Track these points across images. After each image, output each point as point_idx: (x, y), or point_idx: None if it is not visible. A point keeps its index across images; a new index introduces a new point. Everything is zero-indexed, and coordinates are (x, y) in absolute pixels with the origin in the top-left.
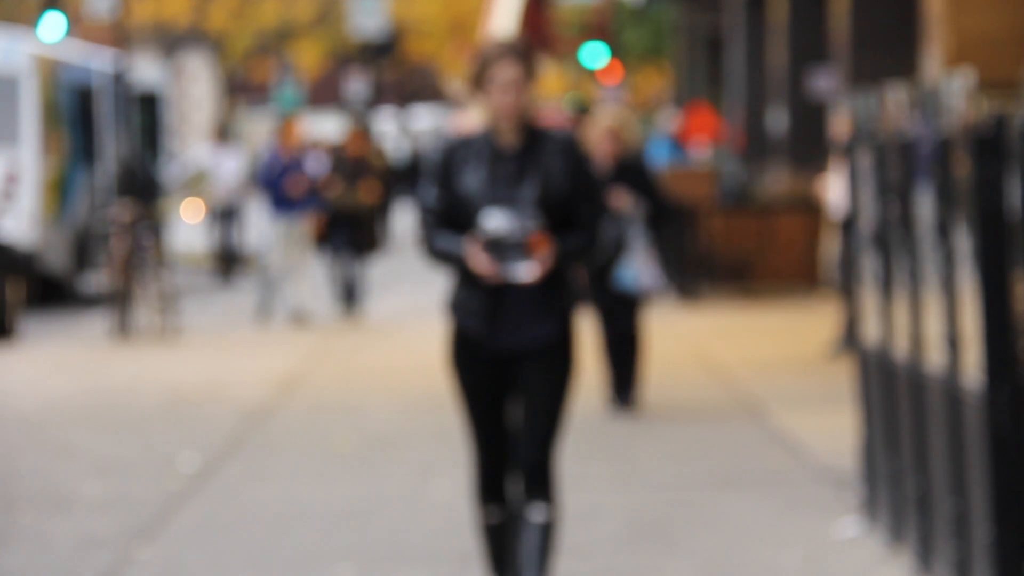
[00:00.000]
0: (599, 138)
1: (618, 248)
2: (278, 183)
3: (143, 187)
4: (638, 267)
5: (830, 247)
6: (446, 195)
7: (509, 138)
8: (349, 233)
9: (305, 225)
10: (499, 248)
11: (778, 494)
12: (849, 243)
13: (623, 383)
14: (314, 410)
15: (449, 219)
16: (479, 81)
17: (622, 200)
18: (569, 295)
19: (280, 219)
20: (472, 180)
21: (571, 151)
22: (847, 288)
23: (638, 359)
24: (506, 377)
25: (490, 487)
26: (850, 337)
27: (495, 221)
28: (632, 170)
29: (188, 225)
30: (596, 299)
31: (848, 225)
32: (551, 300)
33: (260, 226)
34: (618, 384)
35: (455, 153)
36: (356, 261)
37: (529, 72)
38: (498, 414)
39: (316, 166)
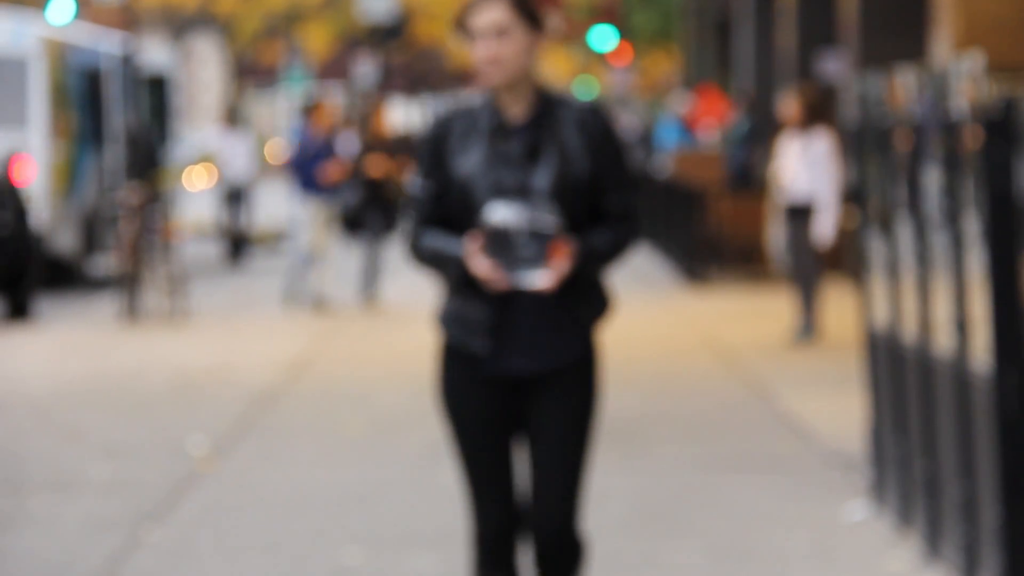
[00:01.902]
0: None
1: None
2: (309, 165)
3: (144, 155)
4: None
5: (776, 232)
6: (439, 181)
7: (514, 109)
8: (383, 215)
9: (334, 208)
10: (505, 248)
11: (786, 477)
12: (796, 227)
13: None
14: (323, 393)
15: (445, 211)
16: (464, 29)
17: None
18: (595, 305)
19: (310, 201)
20: (469, 162)
21: (594, 123)
22: (798, 274)
23: None
24: (513, 410)
25: (496, 559)
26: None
27: (500, 214)
28: None
29: (192, 194)
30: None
31: (796, 210)
32: (572, 312)
33: (291, 209)
34: None
35: (451, 127)
36: (380, 244)
37: (524, 19)
38: (505, 459)
39: (348, 148)
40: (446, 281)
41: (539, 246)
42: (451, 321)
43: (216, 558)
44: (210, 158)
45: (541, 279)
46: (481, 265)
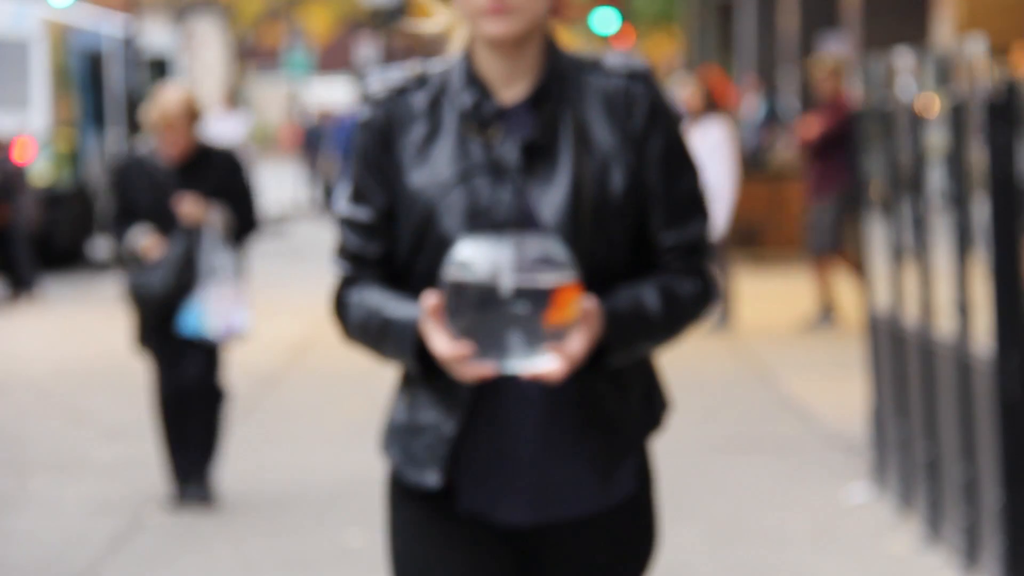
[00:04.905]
0: (165, 120)
1: (184, 275)
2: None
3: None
4: (211, 303)
5: None
6: (381, 205)
7: (509, 83)
8: None
9: None
10: (487, 313)
11: (787, 460)
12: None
13: (192, 465)
14: (325, 375)
15: (391, 253)
16: None
17: (192, 208)
18: (641, 406)
19: None
20: (431, 171)
21: (640, 102)
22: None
23: (214, 431)
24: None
25: None
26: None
27: (478, 257)
28: (211, 165)
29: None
30: (152, 344)
31: None
32: (602, 421)
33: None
34: (183, 467)
35: (401, 112)
36: None
37: None
38: None
39: None
40: (394, 368)
41: (540, 310)
42: (394, 437)
43: (218, 540)
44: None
45: (544, 362)
46: (443, 341)
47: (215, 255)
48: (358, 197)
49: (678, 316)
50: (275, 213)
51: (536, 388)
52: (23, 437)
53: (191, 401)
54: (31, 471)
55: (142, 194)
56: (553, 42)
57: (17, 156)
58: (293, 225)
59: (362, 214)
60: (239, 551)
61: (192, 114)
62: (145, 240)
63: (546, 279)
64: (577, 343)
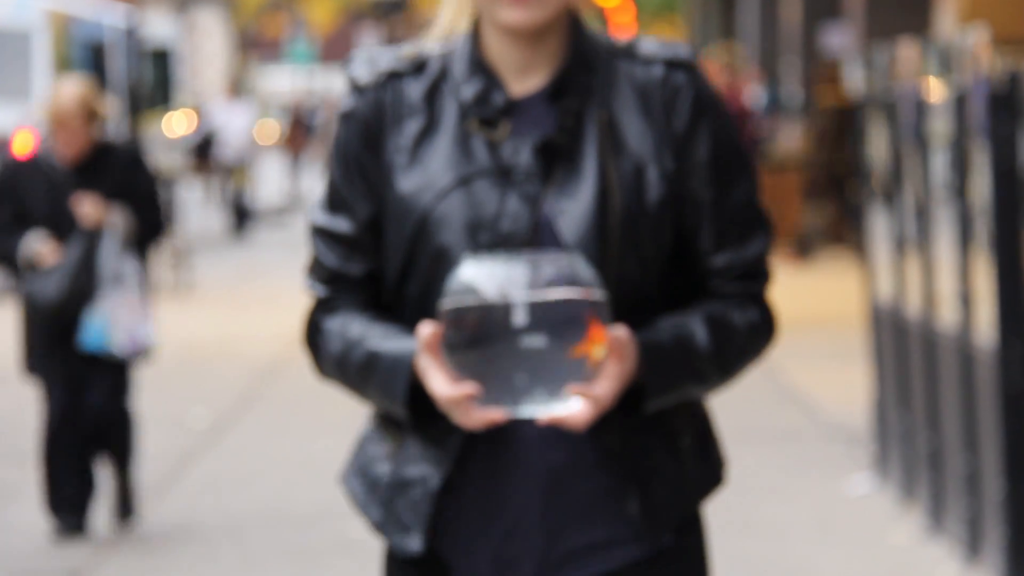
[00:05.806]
0: (58, 117)
1: (81, 281)
2: None
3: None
4: (115, 314)
5: None
6: (367, 216)
7: (525, 72)
8: None
9: None
10: (494, 347)
11: (790, 451)
12: None
13: (86, 495)
14: None
15: (379, 275)
16: None
17: (92, 208)
18: (709, 457)
19: None
20: (427, 176)
21: (684, 93)
22: None
23: (123, 458)
24: None
25: None
26: None
27: (478, 274)
28: (112, 165)
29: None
30: (46, 367)
31: None
32: (650, 475)
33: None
34: (71, 497)
35: (391, 104)
36: None
37: None
38: None
39: None
40: (374, 407)
41: (561, 343)
42: (372, 493)
43: (219, 530)
44: (211, 134)
45: (565, 407)
46: (442, 382)
47: (116, 261)
48: (337, 204)
49: (732, 352)
50: (275, 204)
51: (553, 434)
52: (24, 427)
53: (98, 430)
54: (33, 462)
55: (37, 196)
56: (580, 23)
57: (19, 148)
58: (293, 216)
59: (342, 224)
60: (240, 541)
61: (88, 112)
62: (40, 246)
63: (568, 305)
64: (605, 384)
